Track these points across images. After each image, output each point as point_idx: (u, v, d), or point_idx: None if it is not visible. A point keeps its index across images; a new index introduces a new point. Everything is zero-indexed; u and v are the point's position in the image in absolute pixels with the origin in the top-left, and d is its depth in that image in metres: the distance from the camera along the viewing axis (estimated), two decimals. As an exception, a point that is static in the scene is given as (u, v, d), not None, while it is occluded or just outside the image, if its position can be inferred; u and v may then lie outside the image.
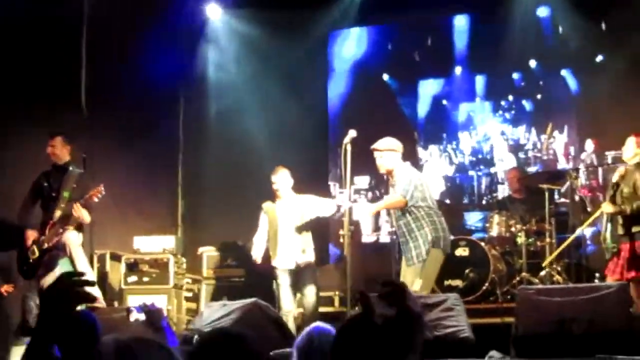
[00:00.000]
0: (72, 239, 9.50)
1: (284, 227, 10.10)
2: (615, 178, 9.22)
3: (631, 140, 9.20)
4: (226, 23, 14.33)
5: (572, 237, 10.70)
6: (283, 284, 9.96)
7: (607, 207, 9.13)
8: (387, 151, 9.01)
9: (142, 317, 6.10)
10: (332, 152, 13.73)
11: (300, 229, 10.01)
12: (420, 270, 8.82)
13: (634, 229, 8.88)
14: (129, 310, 6.35)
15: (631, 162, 9.11)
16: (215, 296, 11.44)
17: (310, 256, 10.04)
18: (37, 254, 9.57)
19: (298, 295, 10.04)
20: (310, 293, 9.85)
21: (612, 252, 9.11)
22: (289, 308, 9.86)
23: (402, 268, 9.09)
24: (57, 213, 9.58)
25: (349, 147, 8.88)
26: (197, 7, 14.21)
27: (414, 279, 8.80)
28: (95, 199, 9.45)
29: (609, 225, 9.21)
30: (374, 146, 9.09)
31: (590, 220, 10.41)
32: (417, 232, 8.88)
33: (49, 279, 9.64)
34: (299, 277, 9.94)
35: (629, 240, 8.94)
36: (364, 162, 9.43)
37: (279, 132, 13.45)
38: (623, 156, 9.39)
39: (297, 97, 13.73)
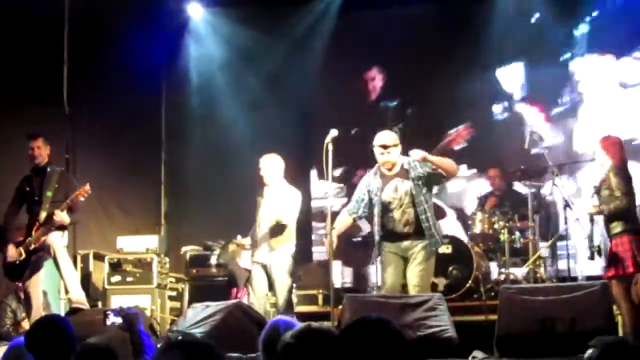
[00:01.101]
0: (56, 240, 9.47)
1: (265, 217, 9.83)
2: (597, 181, 9.34)
3: (598, 146, 9.33)
4: (208, 22, 14.31)
5: (553, 239, 10.79)
6: (256, 277, 9.74)
7: (588, 208, 9.29)
8: (394, 147, 9.00)
9: (119, 320, 6.06)
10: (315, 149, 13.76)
11: (279, 221, 9.73)
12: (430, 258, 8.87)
13: (612, 229, 9.00)
14: (105, 314, 6.31)
15: (603, 166, 9.23)
16: (199, 295, 11.41)
17: (285, 252, 9.74)
18: (23, 255, 9.55)
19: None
20: (280, 291, 9.63)
21: (593, 251, 9.21)
22: (259, 303, 9.59)
23: (413, 256, 8.80)
24: (42, 214, 9.55)
25: (330, 147, 8.88)
26: (179, 4, 14.20)
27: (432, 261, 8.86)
28: (82, 199, 9.45)
29: (591, 225, 9.32)
30: (384, 143, 9.03)
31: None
32: (432, 223, 8.86)
33: (34, 280, 9.64)
34: (271, 273, 9.68)
35: (610, 241, 9.06)
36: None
37: (262, 130, 13.43)
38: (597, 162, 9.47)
39: (279, 94, 13.73)
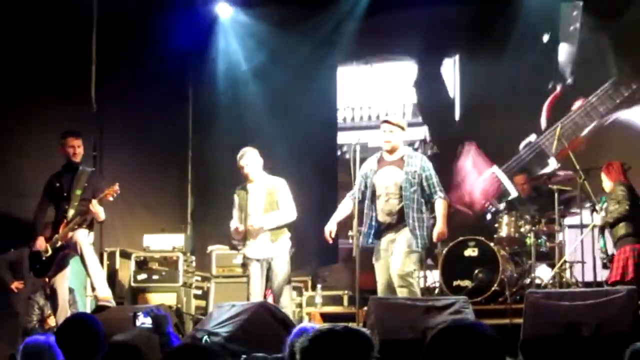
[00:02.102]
0: (83, 237, 9.50)
1: (254, 211, 9.60)
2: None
3: (603, 176, 10.26)
4: (235, 20, 14.34)
5: (569, 250, 10.94)
6: (253, 274, 9.50)
7: (597, 220, 10.14)
8: (398, 127, 8.99)
9: (148, 321, 6.08)
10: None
11: (284, 214, 9.53)
12: (421, 258, 8.85)
13: (615, 238, 9.88)
14: (135, 315, 6.33)
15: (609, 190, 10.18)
16: (225, 294, 11.44)
17: (282, 245, 9.54)
18: (50, 252, 9.59)
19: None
20: (282, 282, 9.43)
21: (604, 262, 10.01)
22: (254, 297, 9.34)
23: (396, 252, 8.77)
24: (70, 212, 9.58)
25: (357, 148, 8.91)
26: (207, 2, 14.24)
27: (417, 265, 8.82)
28: (110, 198, 9.48)
29: (601, 236, 10.07)
30: (387, 119, 9.08)
31: (587, 231, 10.67)
32: (425, 223, 8.85)
33: (59, 277, 9.69)
34: (269, 268, 9.48)
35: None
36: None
37: (289, 126, 13.45)
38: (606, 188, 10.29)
39: (306, 91, 13.75)
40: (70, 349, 5.30)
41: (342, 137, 14.67)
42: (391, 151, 8.97)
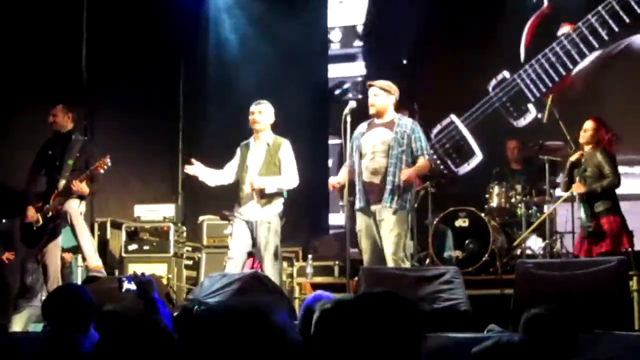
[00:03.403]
0: (74, 208, 9.49)
1: (252, 169, 9.38)
2: (573, 159, 9.85)
3: (590, 125, 9.74)
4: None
5: (544, 216, 10.84)
6: (235, 232, 9.28)
7: (578, 188, 9.65)
8: (383, 90, 8.97)
9: (133, 287, 6.09)
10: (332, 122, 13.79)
11: (267, 175, 9.29)
12: (407, 219, 8.85)
13: (598, 208, 9.52)
14: (120, 281, 6.35)
15: (588, 147, 9.73)
16: (216, 265, 11.45)
17: (272, 209, 9.26)
18: (41, 222, 9.58)
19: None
20: (269, 255, 9.10)
21: (588, 230, 9.59)
22: (233, 255, 9.16)
23: (386, 236, 8.74)
24: (62, 183, 9.56)
25: (348, 118, 8.87)
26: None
27: (404, 226, 8.79)
28: (101, 170, 9.44)
29: (581, 205, 9.70)
30: (372, 82, 9.07)
31: (561, 200, 10.51)
32: (399, 183, 8.73)
33: (51, 248, 9.68)
34: (256, 234, 9.18)
35: (594, 219, 9.54)
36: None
37: (279, 101, 13.40)
38: (581, 140, 9.82)
39: (297, 66, 13.72)
40: (56, 320, 5.31)
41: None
42: (379, 115, 8.97)
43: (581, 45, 12.16)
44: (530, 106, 12.92)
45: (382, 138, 8.87)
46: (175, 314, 6.77)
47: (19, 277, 10.45)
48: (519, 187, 11.31)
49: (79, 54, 12.71)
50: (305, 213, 12.96)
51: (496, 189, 11.38)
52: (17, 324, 9.92)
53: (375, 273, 8.29)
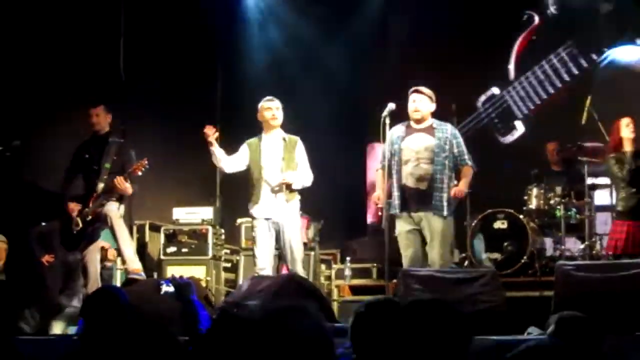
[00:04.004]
0: (114, 210, 9.53)
1: (272, 165, 9.28)
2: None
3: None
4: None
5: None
6: (260, 235, 9.15)
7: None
8: (427, 97, 9.00)
9: (171, 289, 6.12)
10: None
11: (301, 176, 9.21)
12: (453, 224, 8.91)
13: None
14: (159, 284, 6.39)
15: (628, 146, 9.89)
16: (254, 267, 11.44)
17: (295, 208, 9.21)
18: (80, 225, 9.63)
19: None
20: (296, 254, 9.07)
21: None
22: (263, 266, 9.06)
23: (434, 245, 8.77)
24: (100, 186, 9.60)
25: (387, 120, 8.86)
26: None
27: (451, 231, 8.93)
28: (139, 173, 9.46)
29: None
30: (418, 88, 9.06)
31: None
32: (446, 190, 8.80)
33: (90, 251, 9.73)
34: (281, 232, 9.11)
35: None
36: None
37: (316, 103, 13.42)
38: (631, 135, 9.94)
39: (329, 73, 13.74)
40: (94, 321, 5.33)
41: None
42: (420, 120, 8.99)
43: (570, 64, 12.17)
44: (518, 123, 12.83)
45: (425, 144, 8.88)
46: (214, 316, 6.77)
47: (60, 280, 10.51)
48: (558, 189, 11.23)
49: (116, 56, 12.75)
50: (342, 215, 12.94)
51: (535, 191, 11.31)
52: (57, 326, 9.98)
53: (414, 275, 8.27)
